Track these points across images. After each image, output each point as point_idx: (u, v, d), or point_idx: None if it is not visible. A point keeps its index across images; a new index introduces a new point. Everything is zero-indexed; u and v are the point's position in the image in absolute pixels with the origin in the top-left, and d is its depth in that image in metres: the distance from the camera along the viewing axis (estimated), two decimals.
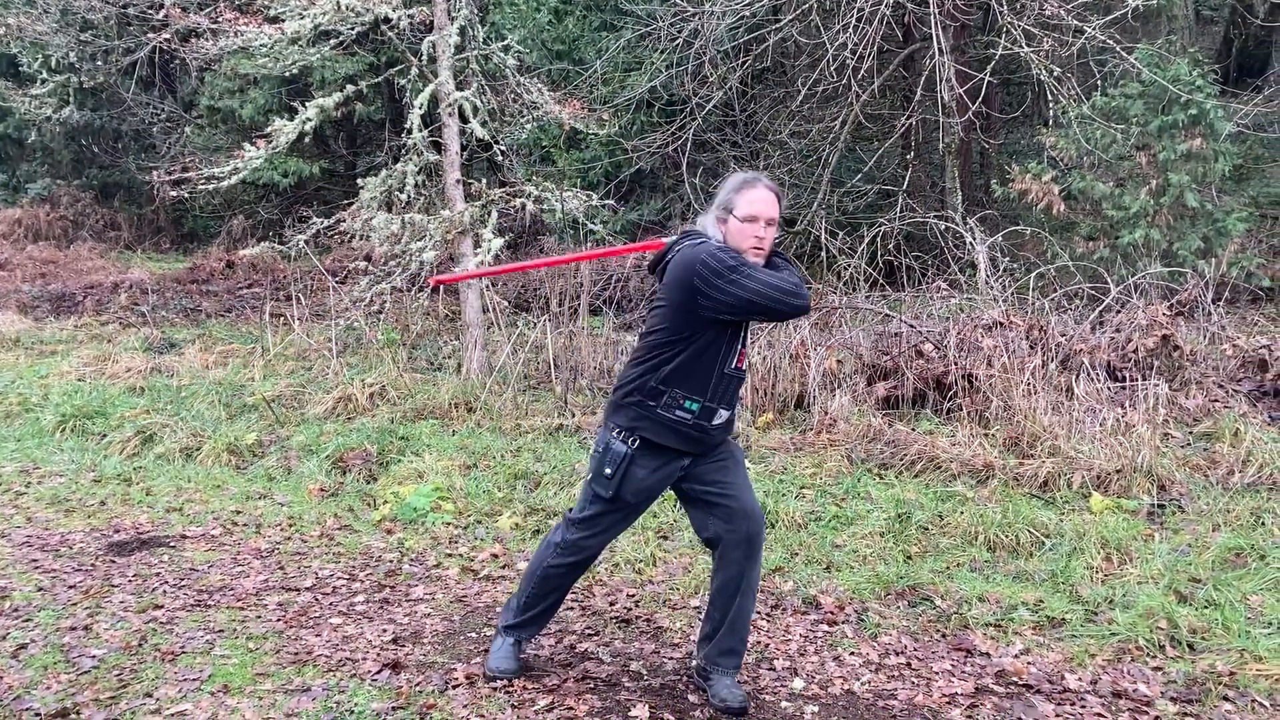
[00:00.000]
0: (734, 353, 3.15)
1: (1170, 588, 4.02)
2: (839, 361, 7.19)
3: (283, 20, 7.82)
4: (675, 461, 3.20)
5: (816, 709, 3.23)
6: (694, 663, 3.40)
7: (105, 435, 6.89)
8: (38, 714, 3.17)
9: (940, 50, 9.57)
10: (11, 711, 3.19)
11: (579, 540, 3.31)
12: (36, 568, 4.55)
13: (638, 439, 3.15)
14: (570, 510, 3.39)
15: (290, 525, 5.21)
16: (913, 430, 6.20)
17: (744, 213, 3.07)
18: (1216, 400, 6.67)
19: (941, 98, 9.71)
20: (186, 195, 9.35)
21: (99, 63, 17.21)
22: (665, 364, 3.12)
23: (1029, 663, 3.52)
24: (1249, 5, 14.76)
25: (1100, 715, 3.16)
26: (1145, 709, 3.19)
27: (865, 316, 7.94)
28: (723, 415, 3.19)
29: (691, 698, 3.30)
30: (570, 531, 3.33)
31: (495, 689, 3.33)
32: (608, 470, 3.17)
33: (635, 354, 3.23)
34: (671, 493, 3.39)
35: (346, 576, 4.48)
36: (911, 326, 7.31)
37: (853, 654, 3.63)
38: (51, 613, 4.02)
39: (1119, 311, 7.32)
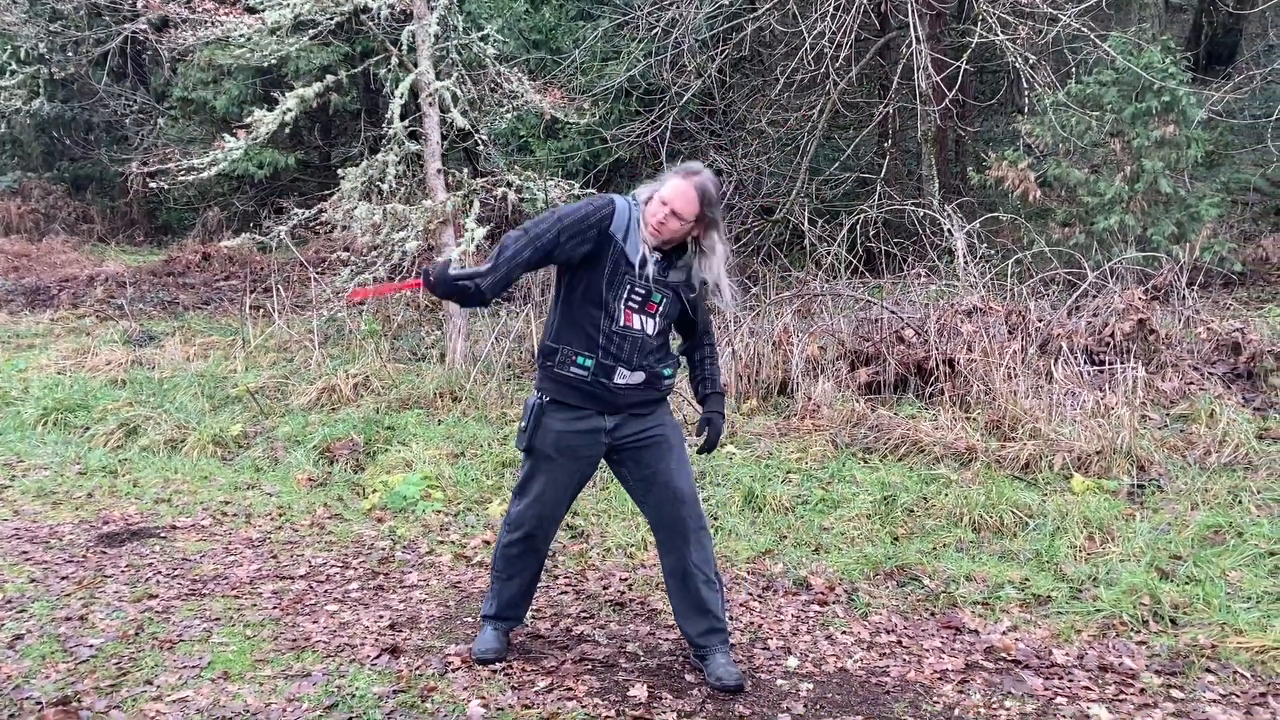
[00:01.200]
0: (617, 310, 3.20)
1: (1152, 565, 4.11)
2: (821, 348, 7.25)
3: (261, 10, 7.78)
4: (591, 419, 3.26)
5: (811, 686, 3.29)
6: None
7: (88, 428, 6.86)
8: (39, 702, 3.18)
9: (917, 38, 9.64)
10: (12, 700, 3.20)
11: (518, 512, 3.39)
12: (27, 559, 4.54)
13: (549, 396, 3.27)
14: None
15: (280, 515, 5.22)
16: (895, 415, 6.28)
17: (662, 194, 3.18)
18: (1192, 383, 6.79)
19: (918, 86, 9.79)
20: (164, 187, 9.29)
21: (69, 54, 17.00)
22: (553, 321, 3.31)
23: (1017, 639, 3.60)
24: None
25: (1087, 688, 3.24)
26: (1131, 681, 3.28)
27: (846, 303, 8.01)
28: (625, 375, 3.23)
29: (688, 677, 3.36)
30: (511, 506, 3.43)
31: (495, 672, 3.38)
32: (522, 424, 3.30)
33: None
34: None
35: (340, 564, 4.50)
36: (892, 312, 7.38)
37: (844, 633, 3.70)
38: (45, 604, 4.02)
39: (1095, 296, 7.42)
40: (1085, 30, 9.64)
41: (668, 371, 3.35)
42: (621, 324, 3.21)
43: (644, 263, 3.19)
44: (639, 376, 3.26)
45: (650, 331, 3.26)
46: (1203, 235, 9.13)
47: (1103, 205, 9.24)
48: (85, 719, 3.10)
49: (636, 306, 3.23)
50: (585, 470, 3.39)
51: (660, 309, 3.26)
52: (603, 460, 3.39)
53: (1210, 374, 6.89)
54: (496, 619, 3.52)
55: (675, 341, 3.52)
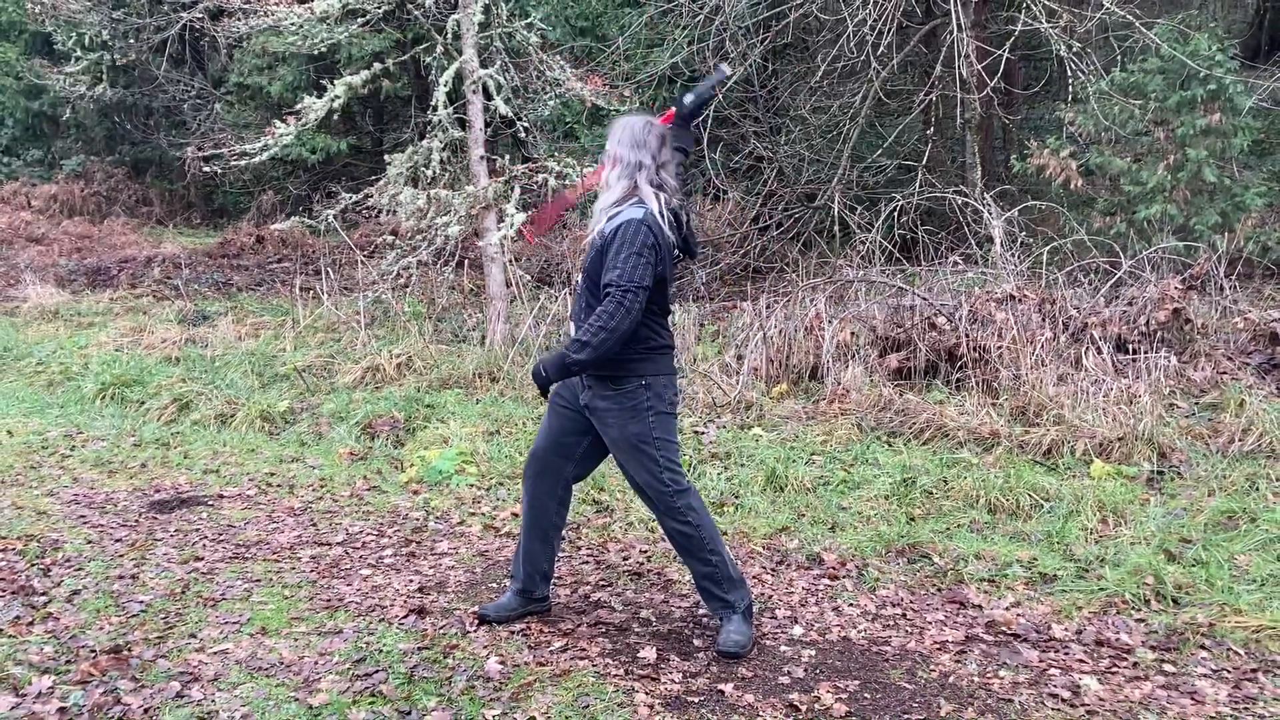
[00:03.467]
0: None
1: (1161, 547, 4.19)
2: (853, 334, 7.35)
3: None
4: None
5: (814, 653, 3.44)
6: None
7: (143, 403, 7.18)
8: (93, 650, 3.43)
9: (960, 26, 9.65)
10: (69, 648, 3.46)
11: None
12: (85, 523, 4.82)
13: None
14: None
15: (322, 486, 5.46)
16: (923, 400, 6.37)
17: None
18: (1225, 373, 6.79)
19: (960, 74, 9.80)
20: (219, 171, 9.61)
21: (131, 40, 17.49)
22: None
23: (1018, 614, 3.71)
24: None
25: (1081, 661, 3.35)
26: (1125, 656, 3.38)
27: (880, 290, 8.09)
28: (572, 329, 3.44)
29: (696, 641, 3.52)
30: None
31: (513, 632, 3.57)
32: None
33: None
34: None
35: (375, 533, 4.72)
36: (925, 300, 7.45)
37: (851, 605, 3.84)
38: (100, 563, 4.29)
39: (1132, 285, 7.43)
40: (1131, 18, 9.57)
41: (579, 335, 3.28)
42: (578, 281, 3.48)
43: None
44: (577, 328, 3.39)
45: (581, 285, 3.45)
46: (1247, 225, 9.06)
47: (1145, 194, 9.20)
48: (135, 666, 3.34)
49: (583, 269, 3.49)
50: (568, 418, 3.52)
51: (583, 263, 3.47)
52: None
53: (1245, 364, 6.89)
54: (510, 576, 3.73)
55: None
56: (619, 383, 3.36)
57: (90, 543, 4.55)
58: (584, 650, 3.43)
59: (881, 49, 9.99)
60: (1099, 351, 6.59)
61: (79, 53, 17.06)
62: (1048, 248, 8.40)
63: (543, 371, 3.32)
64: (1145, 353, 6.61)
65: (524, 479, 3.63)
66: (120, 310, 10.86)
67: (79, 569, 4.23)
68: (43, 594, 3.95)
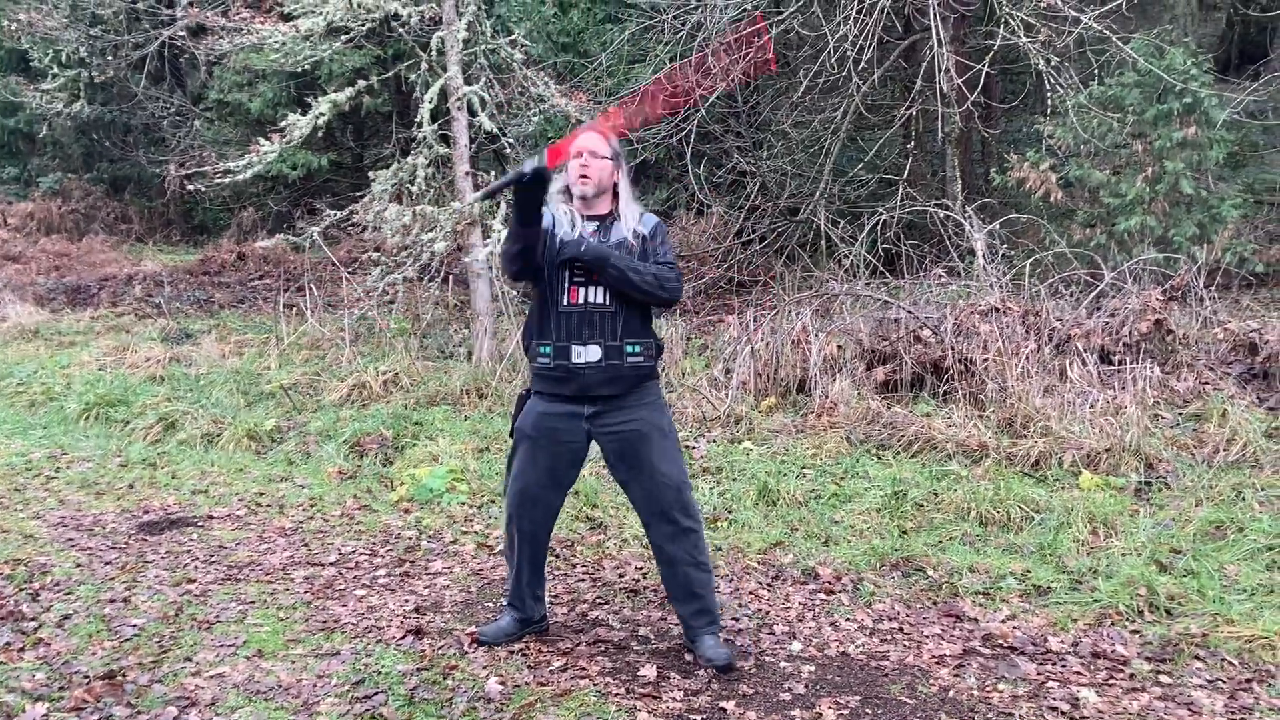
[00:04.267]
0: (561, 291, 3.38)
1: (1152, 558, 4.23)
2: (839, 347, 7.39)
3: (296, 18, 8.02)
4: (567, 404, 3.40)
5: (813, 668, 3.44)
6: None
7: (128, 423, 7.13)
8: (86, 676, 3.40)
9: (939, 41, 9.74)
10: (61, 674, 3.42)
11: (508, 494, 3.57)
12: (73, 546, 4.78)
13: (532, 387, 3.50)
14: None
15: (312, 505, 5.44)
16: (910, 412, 6.41)
17: (572, 150, 3.41)
18: (1207, 383, 6.86)
19: (940, 88, 9.89)
20: (201, 189, 9.57)
21: (109, 58, 17.38)
22: (528, 320, 3.52)
23: (1014, 627, 3.73)
24: None
25: (1079, 673, 3.37)
26: (1121, 668, 3.41)
27: (865, 303, 8.13)
28: (581, 353, 3.33)
29: (693, 658, 3.52)
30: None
31: (512, 652, 3.56)
32: (512, 411, 3.60)
33: None
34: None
35: (368, 552, 4.70)
36: (910, 313, 7.50)
37: (848, 620, 3.85)
38: (91, 587, 4.25)
39: (1113, 297, 7.51)
40: (1107, 33, 9.69)
41: (632, 348, 3.36)
42: (566, 302, 3.37)
43: (574, 226, 3.41)
44: (594, 352, 3.33)
45: (603, 300, 3.36)
46: (1224, 236, 9.17)
47: (1124, 206, 9.30)
48: (129, 692, 3.31)
49: (582, 280, 3.38)
50: (566, 456, 3.47)
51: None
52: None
53: (1226, 374, 6.96)
54: (509, 605, 3.71)
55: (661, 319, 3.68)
56: (651, 384, 3.46)
57: (79, 566, 4.51)
58: (584, 669, 3.43)
59: (862, 64, 10.07)
60: (1083, 363, 6.65)
61: (56, 70, 16.93)
62: (1029, 260, 8.48)
63: (583, 247, 3.34)
64: (1129, 364, 6.67)
65: (516, 518, 3.55)
66: (102, 329, 10.78)
67: (69, 593, 4.19)
68: (32, 619, 3.91)
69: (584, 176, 3.38)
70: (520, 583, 3.65)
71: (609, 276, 3.31)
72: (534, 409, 3.46)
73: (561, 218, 3.43)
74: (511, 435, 3.54)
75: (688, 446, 6.05)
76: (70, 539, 4.89)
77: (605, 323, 3.35)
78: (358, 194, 8.91)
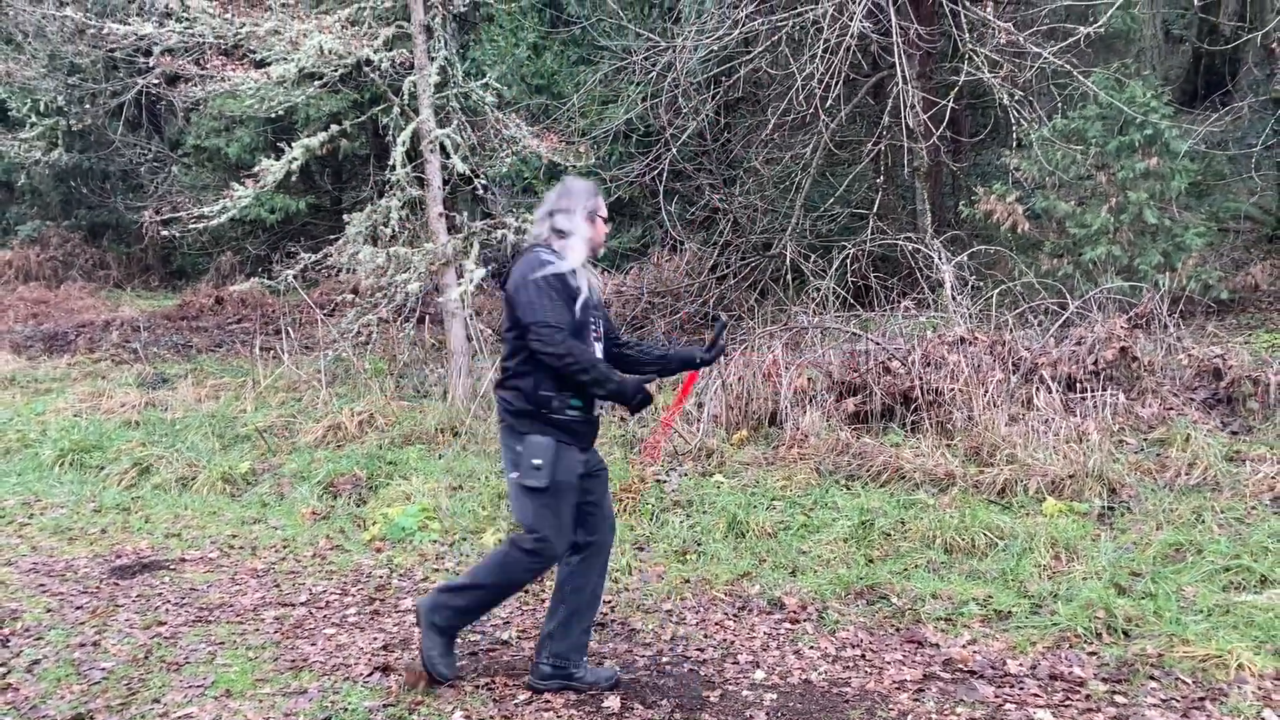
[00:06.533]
0: (591, 349, 3.52)
1: (1111, 581, 4.30)
2: (810, 380, 7.48)
3: (268, 65, 8.13)
4: (579, 454, 3.52)
5: (775, 696, 3.49)
6: (542, 666, 3.56)
7: (103, 468, 7.13)
8: None
9: (905, 78, 9.93)
10: (29, 719, 3.43)
11: (543, 547, 3.44)
12: (44, 591, 4.79)
13: (559, 438, 3.44)
14: (515, 534, 3.57)
15: (284, 547, 5.46)
16: (880, 443, 6.48)
17: (602, 213, 3.62)
18: (1172, 409, 6.97)
19: (907, 124, 10.07)
20: (177, 235, 9.62)
21: (87, 105, 17.53)
22: (532, 372, 3.43)
23: (975, 651, 3.79)
24: (1214, 27, 15.25)
25: (1036, 695, 3.43)
26: (1078, 689, 3.47)
27: (835, 336, 8.24)
28: (600, 403, 3.54)
29: (659, 690, 3.56)
30: (534, 544, 3.44)
31: (478, 687, 3.59)
32: (536, 463, 3.38)
33: (516, 367, 3.48)
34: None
35: (339, 591, 4.73)
36: (879, 345, 7.60)
37: (812, 648, 3.90)
38: (61, 631, 4.26)
39: (1080, 325, 7.63)
40: (1068, 66, 9.91)
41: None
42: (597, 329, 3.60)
43: (592, 290, 3.54)
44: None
45: (601, 330, 3.64)
46: (1188, 264, 9.34)
47: (1090, 236, 9.47)
48: None
49: (598, 336, 3.56)
50: (582, 491, 3.57)
51: (598, 329, 3.61)
52: None
53: (1190, 399, 7.08)
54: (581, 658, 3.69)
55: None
56: None
57: (50, 611, 4.52)
58: (549, 702, 3.46)
59: (830, 101, 10.25)
60: (1049, 391, 6.75)
61: (34, 119, 17.06)
62: (997, 290, 8.61)
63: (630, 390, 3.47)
64: (1094, 391, 6.78)
65: (588, 571, 3.61)
66: (78, 375, 10.77)
67: (38, 638, 4.20)
68: (1, 665, 3.92)
69: (599, 248, 3.66)
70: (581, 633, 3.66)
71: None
72: (567, 458, 3.45)
73: (592, 282, 3.56)
74: (546, 489, 3.41)
75: (659, 480, 6.10)
76: (42, 584, 4.90)
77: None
78: (335, 236, 8.98)
